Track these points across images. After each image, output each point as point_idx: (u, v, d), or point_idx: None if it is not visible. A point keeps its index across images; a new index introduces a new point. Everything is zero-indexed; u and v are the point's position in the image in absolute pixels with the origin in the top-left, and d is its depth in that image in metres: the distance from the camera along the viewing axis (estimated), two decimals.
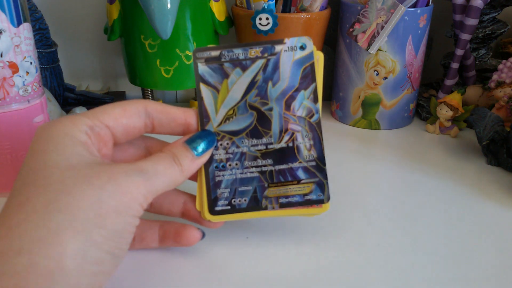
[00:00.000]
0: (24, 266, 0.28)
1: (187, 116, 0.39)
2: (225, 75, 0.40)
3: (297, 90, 0.40)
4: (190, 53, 0.64)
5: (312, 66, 0.40)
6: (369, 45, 0.63)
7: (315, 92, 0.40)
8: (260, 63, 0.40)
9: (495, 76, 0.65)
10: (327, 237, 0.44)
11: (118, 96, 0.78)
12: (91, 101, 0.74)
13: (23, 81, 0.47)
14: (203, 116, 0.40)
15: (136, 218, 0.33)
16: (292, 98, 0.40)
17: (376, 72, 0.65)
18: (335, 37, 0.71)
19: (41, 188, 0.31)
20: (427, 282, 0.39)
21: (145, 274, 0.39)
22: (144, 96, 0.72)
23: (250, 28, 0.63)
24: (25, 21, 0.46)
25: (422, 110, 0.73)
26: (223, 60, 0.40)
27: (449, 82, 0.71)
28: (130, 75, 0.69)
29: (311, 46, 0.40)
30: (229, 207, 0.39)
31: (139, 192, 0.33)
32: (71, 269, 0.28)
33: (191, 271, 0.40)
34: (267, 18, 0.62)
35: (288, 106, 0.40)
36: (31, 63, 0.47)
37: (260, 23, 0.62)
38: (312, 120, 0.40)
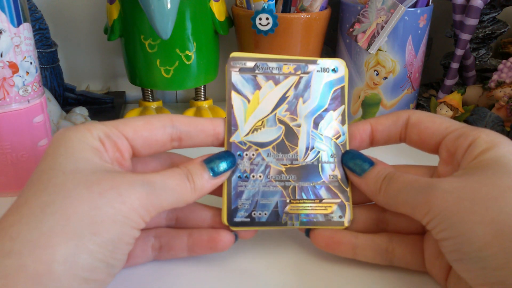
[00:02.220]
0: (13, 268, 0.27)
1: (216, 126, 0.39)
2: (258, 87, 0.41)
3: (326, 111, 0.41)
4: (190, 53, 0.64)
5: (342, 89, 0.42)
6: (369, 45, 0.63)
7: (343, 114, 0.41)
8: (292, 79, 0.41)
9: (495, 76, 0.65)
10: None
11: (118, 96, 0.78)
12: (91, 101, 0.74)
13: (23, 81, 0.47)
14: (231, 124, 0.40)
15: (135, 230, 0.33)
16: (320, 117, 0.41)
17: (376, 72, 0.65)
18: (335, 37, 0.71)
19: (41, 191, 0.31)
20: (428, 280, 0.39)
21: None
22: (144, 96, 0.72)
23: (250, 28, 0.63)
24: (25, 21, 0.46)
25: (422, 110, 0.73)
26: (257, 71, 0.41)
27: (449, 82, 0.71)
28: (130, 75, 0.69)
29: (343, 70, 0.42)
30: (248, 219, 0.39)
31: (140, 203, 0.32)
32: (60, 274, 0.28)
33: (189, 269, 0.40)
34: (267, 18, 0.62)
35: (316, 125, 0.41)
36: (31, 63, 0.47)
37: (260, 23, 0.62)
38: (338, 141, 0.41)
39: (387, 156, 0.61)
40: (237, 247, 0.42)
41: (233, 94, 0.41)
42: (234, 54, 0.41)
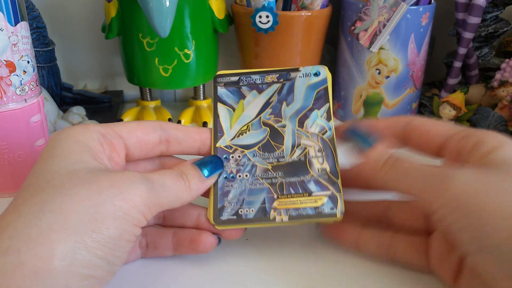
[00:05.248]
0: (12, 265, 0.27)
1: (202, 132, 0.41)
2: (242, 96, 0.43)
3: (311, 110, 0.42)
4: (189, 52, 0.64)
5: (325, 89, 0.43)
6: (371, 43, 0.63)
7: (328, 111, 0.42)
8: (275, 87, 0.44)
9: (498, 75, 0.65)
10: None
11: (116, 95, 0.77)
12: (89, 100, 0.74)
13: (20, 80, 0.46)
14: (217, 131, 0.42)
15: (136, 227, 0.33)
16: (305, 116, 0.42)
17: (378, 70, 0.64)
18: (337, 35, 0.70)
19: (39, 191, 0.31)
20: (428, 280, 0.39)
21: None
22: (142, 95, 0.71)
23: (250, 26, 0.62)
24: (22, 19, 0.46)
25: (424, 110, 0.72)
26: (241, 84, 0.44)
27: (451, 81, 0.70)
28: (128, 74, 0.68)
29: (325, 73, 0.44)
30: (235, 217, 0.39)
31: (141, 200, 0.32)
32: (59, 270, 0.28)
33: (187, 271, 0.40)
34: (267, 16, 0.61)
35: (301, 124, 0.42)
36: (28, 62, 0.47)
37: (260, 21, 0.62)
38: (325, 136, 0.41)
39: None
40: (230, 248, 0.42)
41: (219, 105, 0.43)
42: (220, 73, 0.44)
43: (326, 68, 0.44)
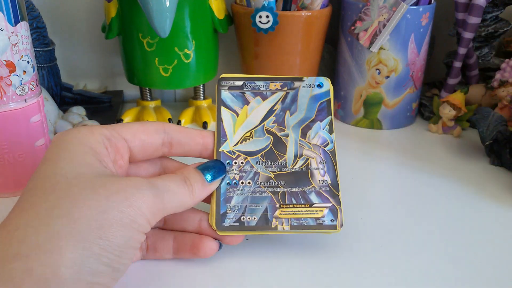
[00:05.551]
0: (20, 272, 0.27)
1: (205, 136, 0.41)
2: (246, 102, 0.44)
3: (313, 121, 0.43)
4: (189, 52, 0.64)
5: (328, 101, 0.44)
6: (371, 43, 0.63)
7: (330, 124, 0.43)
8: (279, 95, 0.44)
9: (498, 76, 0.65)
10: (326, 237, 0.43)
11: (116, 95, 0.77)
12: (89, 100, 0.73)
13: (20, 80, 0.46)
14: (220, 135, 0.42)
15: (142, 234, 0.33)
16: (308, 127, 0.43)
17: (378, 70, 0.64)
18: (337, 35, 0.70)
19: (46, 195, 0.31)
20: (428, 281, 0.39)
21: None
22: (142, 95, 0.71)
23: (250, 26, 0.62)
24: (22, 19, 0.46)
25: (424, 110, 0.72)
26: (245, 89, 0.44)
27: (451, 81, 0.70)
28: (128, 74, 0.68)
29: (327, 85, 0.44)
30: (237, 224, 0.39)
31: (147, 207, 0.32)
32: (67, 278, 0.28)
33: (188, 270, 0.40)
34: (267, 16, 0.61)
35: (304, 134, 0.43)
36: (28, 62, 0.47)
37: (260, 21, 0.62)
38: (326, 148, 0.42)
39: (391, 157, 0.61)
40: (231, 247, 0.42)
41: (223, 109, 0.43)
42: (224, 75, 0.44)
43: (329, 80, 0.44)
